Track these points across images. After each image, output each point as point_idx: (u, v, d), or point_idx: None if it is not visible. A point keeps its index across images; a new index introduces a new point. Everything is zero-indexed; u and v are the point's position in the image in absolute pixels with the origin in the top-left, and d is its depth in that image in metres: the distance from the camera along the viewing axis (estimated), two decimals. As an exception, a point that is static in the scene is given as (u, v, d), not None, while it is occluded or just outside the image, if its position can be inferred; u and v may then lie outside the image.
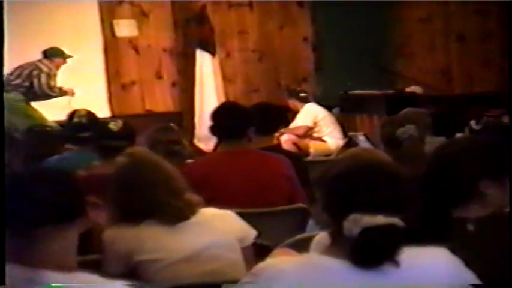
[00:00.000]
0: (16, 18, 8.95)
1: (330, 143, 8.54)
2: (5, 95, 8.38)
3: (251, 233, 3.27)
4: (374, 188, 2.02)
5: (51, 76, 8.58)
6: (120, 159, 3.25)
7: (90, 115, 5.16)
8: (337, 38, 9.81)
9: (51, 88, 8.56)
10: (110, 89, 9.63)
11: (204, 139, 8.52)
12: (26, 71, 8.54)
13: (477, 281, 2.12)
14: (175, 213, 3.12)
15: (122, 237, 3.12)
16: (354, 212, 1.97)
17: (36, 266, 1.88)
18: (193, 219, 3.14)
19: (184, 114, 9.63)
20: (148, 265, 3.08)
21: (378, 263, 1.98)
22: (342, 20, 9.78)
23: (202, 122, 8.79)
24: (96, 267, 1.99)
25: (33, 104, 8.57)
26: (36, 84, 8.51)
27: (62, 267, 1.90)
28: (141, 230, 3.12)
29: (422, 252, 2.08)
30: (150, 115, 9.38)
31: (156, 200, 3.12)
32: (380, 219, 1.96)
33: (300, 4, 10.03)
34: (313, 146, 8.47)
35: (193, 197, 3.18)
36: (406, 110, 4.83)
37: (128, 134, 4.32)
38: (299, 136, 8.48)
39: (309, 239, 2.70)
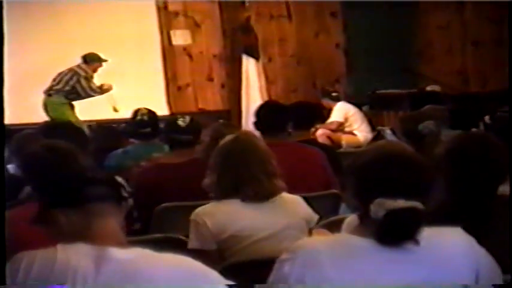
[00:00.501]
0: (79, 20, 9.06)
1: (359, 136, 8.49)
2: (49, 99, 8.45)
3: (315, 217, 3.27)
4: (397, 175, 2.01)
5: (88, 78, 8.46)
6: (229, 136, 3.24)
7: (150, 113, 5.18)
8: (366, 44, 9.77)
9: (93, 89, 8.47)
10: (168, 90, 9.69)
11: (250, 134, 8.52)
12: (66, 77, 8.44)
13: (489, 256, 2.11)
14: (261, 191, 3.09)
15: (213, 214, 3.08)
16: (380, 197, 1.97)
17: (99, 243, 1.84)
18: (272, 202, 3.13)
19: (232, 112, 9.66)
20: (235, 241, 3.05)
21: (400, 242, 1.99)
22: (370, 28, 9.74)
23: (248, 118, 8.81)
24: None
25: (75, 103, 8.49)
26: (80, 88, 8.42)
27: (120, 243, 1.87)
28: (228, 207, 3.09)
29: (440, 231, 2.07)
30: (203, 113, 9.41)
31: (248, 176, 3.08)
32: (402, 203, 1.96)
33: (333, 14, 9.99)
34: (344, 139, 8.43)
35: (280, 182, 3.16)
36: (426, 106, 4.80)
37: (194, 130, 4.25)
38: (332, 130, 8.44)
39: (341, 221, 2.69)
